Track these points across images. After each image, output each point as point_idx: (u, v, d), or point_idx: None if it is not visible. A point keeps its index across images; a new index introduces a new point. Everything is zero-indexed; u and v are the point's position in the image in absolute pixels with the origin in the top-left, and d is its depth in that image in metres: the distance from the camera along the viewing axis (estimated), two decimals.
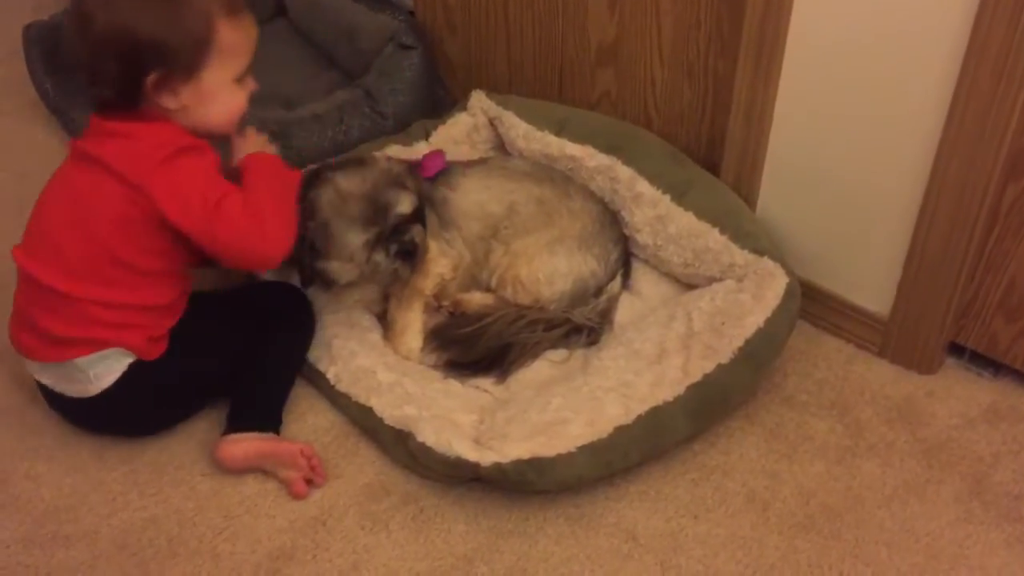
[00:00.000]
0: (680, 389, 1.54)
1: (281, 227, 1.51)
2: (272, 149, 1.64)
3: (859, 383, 1.73)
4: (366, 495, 1.56)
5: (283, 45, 2.46)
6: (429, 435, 1.49)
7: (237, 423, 1.59)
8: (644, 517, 1.52)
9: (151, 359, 1.55)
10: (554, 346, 1.74)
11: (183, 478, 1.59)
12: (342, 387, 1.65)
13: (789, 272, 1.67)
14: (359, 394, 1.63)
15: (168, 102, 1.47)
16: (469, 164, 1.89)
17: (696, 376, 1.55)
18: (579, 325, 1.75)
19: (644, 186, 1.81)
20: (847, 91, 1.60)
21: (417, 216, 1.66)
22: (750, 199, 1.81)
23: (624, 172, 1.84)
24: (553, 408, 1.54)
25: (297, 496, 1.55)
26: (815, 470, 1.59)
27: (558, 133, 1.93)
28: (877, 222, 1.68)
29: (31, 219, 1.56)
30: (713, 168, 1.86)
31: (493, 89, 2.11)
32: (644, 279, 1.86)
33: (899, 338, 1.74)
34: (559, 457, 1.46)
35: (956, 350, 1.76)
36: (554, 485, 1.49)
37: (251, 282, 1.80)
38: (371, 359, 1.67)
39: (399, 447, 1.57)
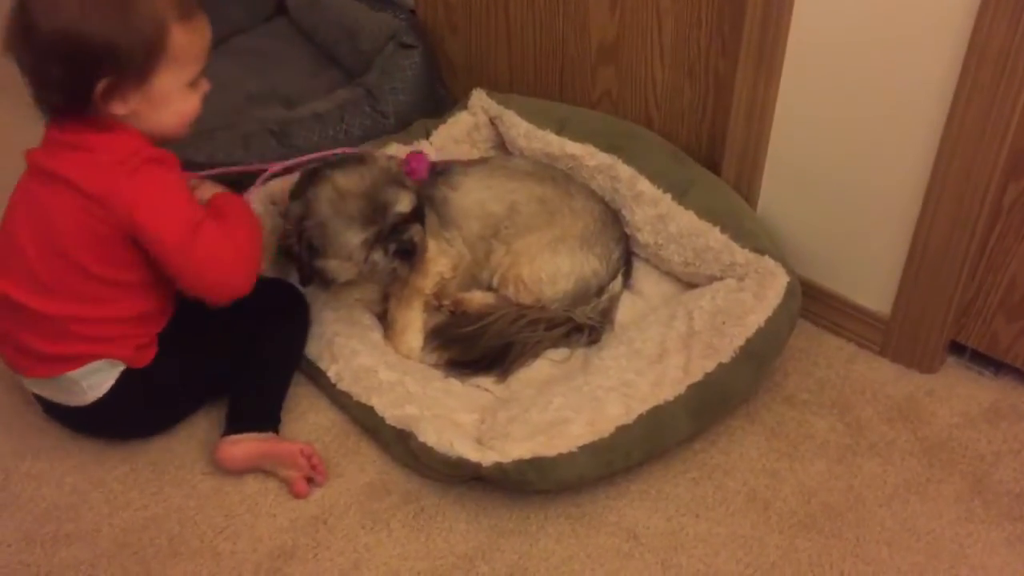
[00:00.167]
0: (681, 388, 1.54)
1: (252, 263, 1.52)
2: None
3: (860, 382, 1.73)
4: (367, 494, 1.56)
5: (284, 44, 2.46)
6: (430, 435, 1.49)
7: (236, 424, 1.58)
8: (645, 516, 1.52)
9: (141, 366, 1.54)
10: (555, 345, 1.74)
11: (184, 477, 1.59)
12: (343, 386, 1.65)
13: (790, 271, 1.67)
14: (360, 393, 1.63)
15: (117, 108, 1.40)
16: (470, 163, 1.89)
17: (697, 375, 1.55)
18: (580, 324, 1.75)
19: (645, 185, 1.81)
20: (848, 90, 1.59)
21: (416, 215, 1.66)
22: (751, 198, 1.81)
23: (625, 171, 1.84)
24: (554, 408, 1.54)
25: (298, 495, 1.55)
26: (816, 469, 1.59)
27: (559, 132, 1.92)
28: (878, 221, 1.68)
29: (0, 237, 1.51)
30: (714, 167, 1.86)
31: (494, 88, 2.10)
32: (645, 278, 1.86)
33: (900, 337, 1.74)
34: (560, 457, 1.46)
35: (957, 349, 1.75)
36: (555, 485, 1.49)
37: None
38: (372, 358, 1.67)
39: (400, 446, 1.57)
